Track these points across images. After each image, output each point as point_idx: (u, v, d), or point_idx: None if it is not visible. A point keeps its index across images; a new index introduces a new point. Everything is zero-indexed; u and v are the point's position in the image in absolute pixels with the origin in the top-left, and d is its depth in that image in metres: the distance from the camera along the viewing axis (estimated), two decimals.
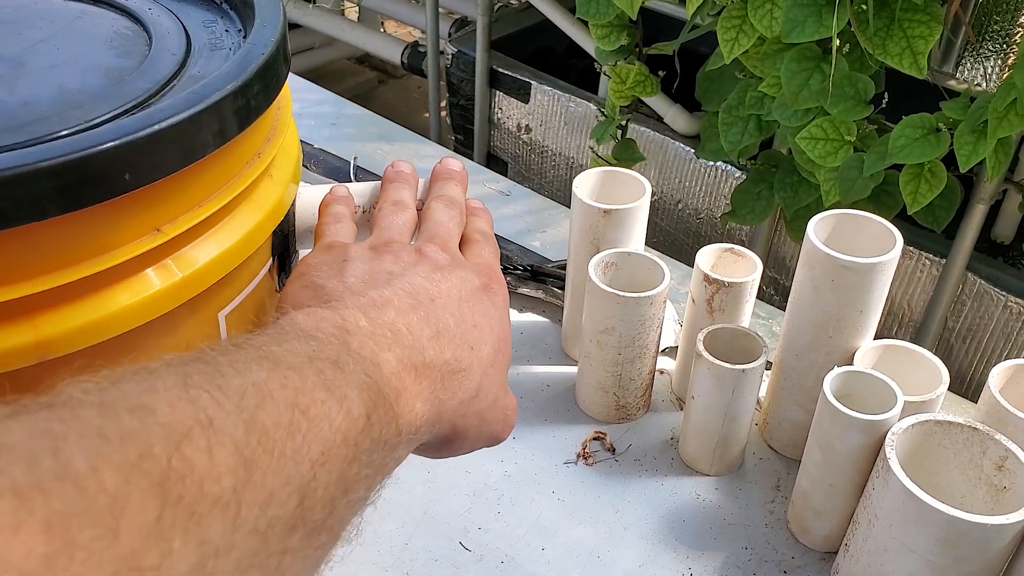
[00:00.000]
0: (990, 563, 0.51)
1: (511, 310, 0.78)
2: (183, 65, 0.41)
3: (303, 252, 0.44)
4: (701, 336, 0.62)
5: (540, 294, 0.80)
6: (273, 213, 0.41)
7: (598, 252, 0.67)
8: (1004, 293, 1.35)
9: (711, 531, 0.62)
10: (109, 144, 0.32)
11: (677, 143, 1.66)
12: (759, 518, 0.63)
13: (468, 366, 0.39)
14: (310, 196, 0.46)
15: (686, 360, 0.70)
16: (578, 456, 0.67)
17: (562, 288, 0.80)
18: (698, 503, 0.64)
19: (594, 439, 0.68)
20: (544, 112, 1.83)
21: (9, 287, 0.33)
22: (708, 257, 0.66)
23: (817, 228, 0.60)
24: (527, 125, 1.88)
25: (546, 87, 1.81)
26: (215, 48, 0.43)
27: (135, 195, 0.34)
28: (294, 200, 0.45)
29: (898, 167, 1.13)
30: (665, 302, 0.65)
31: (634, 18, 1.27)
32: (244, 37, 0.44)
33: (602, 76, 1.81)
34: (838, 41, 1.04)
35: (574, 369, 0.74)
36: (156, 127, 0.33)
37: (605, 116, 1.43)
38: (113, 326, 0.35)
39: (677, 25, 1.53)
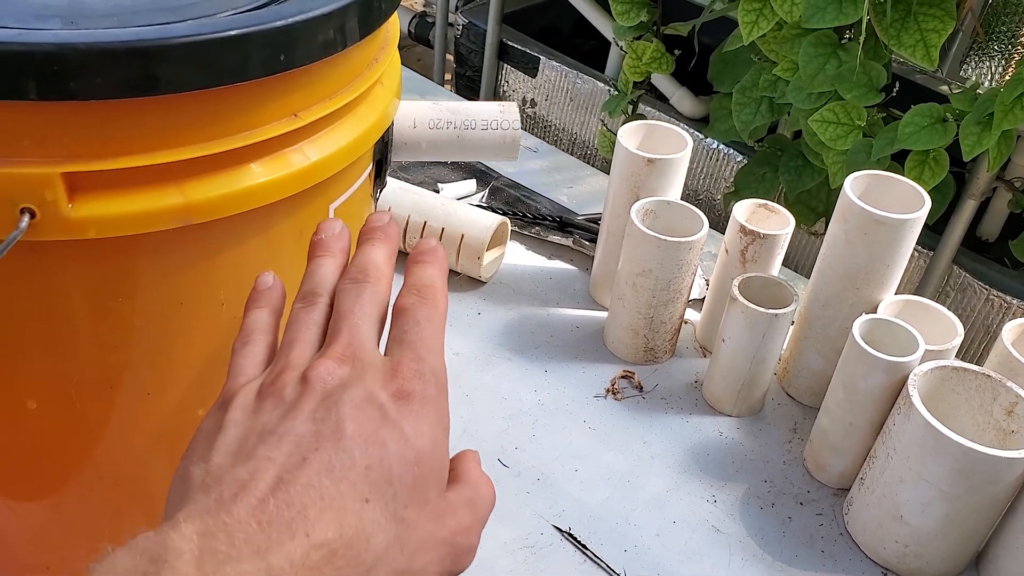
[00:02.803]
0: (997, 496, 0.56)
1: (540, 257, 0.82)
2: None
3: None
4: (737, 282, 0.66)
5: (570, 243, 0.83)
6: (382, 118, 0.44)
7: (638, 200, 0.71)
8: (987, 287, 1.41)
9: (733, 464, 0.66)
10: (276, 23, 0.35)
11: (681, 125, 1.70)
12: (777, 456, 0.67)
13: (357, 532, 0.31)
14: (405, 111, 0.49)
15: (714, 307, 0.74)
16: (607, 391, 0.71)
17: (590, 240, 0.84)
18: (721, 440, 0.68)
19: (622, 377, 0.72)
20: (551, 87, 1.87)
21: (165, 151, 0.36)
22: (743, 211, 0.70)
23: (853, 185, 0.64)
24: (532, 99, 1.92)
25: (555, 63, 1.84)
26: None
27: (280, 78, 0.37)
28: None
29: (901, 156, 1.17)
30: (701, 250, 0.69)
31: None
32: None
33: (610, 56, 1.85)
34: (860, 28, 1.08)
35: (602, 314, 0.78)
36: (311, 14, 0.36)
37: (618, 91, 1.46)
38: (250, 199, 0.38)
39: (690, 8, 1.57)
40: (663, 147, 0.73)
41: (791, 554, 0.61)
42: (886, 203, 0.64)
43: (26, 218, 0.35)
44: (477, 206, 0.83)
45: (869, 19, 1.10)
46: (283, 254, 0.43)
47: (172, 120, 0.36)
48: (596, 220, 0.86)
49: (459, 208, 0.79)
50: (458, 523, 0.36)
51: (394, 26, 0.47)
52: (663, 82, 1.71)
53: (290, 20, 0.36)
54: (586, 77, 1.81)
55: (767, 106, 1.28)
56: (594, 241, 0.83)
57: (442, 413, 0.36)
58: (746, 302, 0.65)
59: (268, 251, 0.42)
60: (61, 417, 0.43)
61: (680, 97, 1.69)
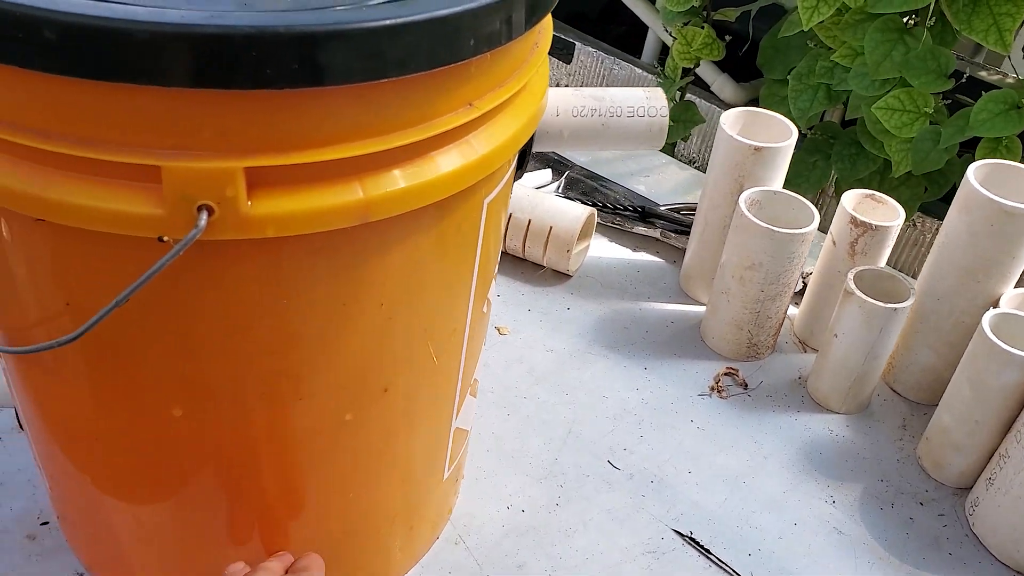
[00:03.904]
0: None
1: (625, 249, 0.80)
2: None
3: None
4: (851, 275, 0.64)
5: (657, 234, 0.81)
6: (539, 109, 0.42)
7: (742, 189, 0.68)
8: None
9: (847, 463, 0.64)
10: (465, 7, 0.33)
11: (723, 112, 1.67)
12: (890, 454, 0.65)
13: None
14: (548, 99, 0.47)
15: (816, 301, 0.71)
16: (711, 388, 0.69)
17: (676, 232, 0.81)
18: (831, 438, 0.66)
19: (726, 374, 0.70)
20: (586, 73, 1.83)
21: (345, 144, 0.33)
22: (851, 201, 0.68)
23: (975, 174, 0.61)
24: (567, 86, 1.89)
25: (590, 48, 1.81)
26: None
27: (458, 67, 0.35)
28: None
29: (965, 145, 1.15)
30: (810, 242, 0.67)
31: None
32: None
33: (647, 41, 1.82)
34: (928, 13, 1.06)
35: (696, 308, 0.76)
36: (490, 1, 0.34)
37: (666, 77, 1.44)
38: (425, 194, 0.36)
39: None
40: (764, 135, 0.70)
41: (918, 556, 0.59)
42: (1006, 194, 0.61)
43: (204, 216, 0.32)
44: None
45: (937, 3, 1.08)
46: (444, 251, 0.40)
47: (352, 111, 0.33)
48: (680, 211, 0.83)
49: (545, 199, 0.76)
50: None
51: (547, 21, 0.44)
52: (705, 68, 1.68)
53: (473, 6, 0.33)
54: (623, 63, 1.78)
55: (824, 93, 1.25)
56: (681, 233, 0.81)
57: None
58: (863, 296, 0.62)
59: (429, 249, 0.39)
60: (200, 426, 0.41)
61: (721, 83, 1.65)
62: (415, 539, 0.54)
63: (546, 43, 0.42)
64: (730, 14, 1.41)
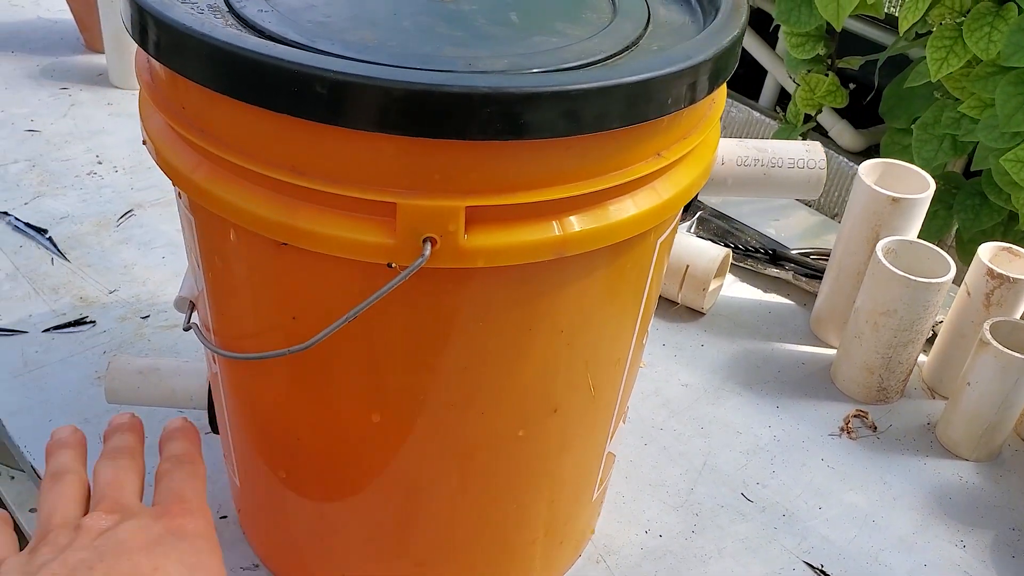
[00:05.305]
0: None
1: (755, 289, 0.82)
2: (645, 30, 0.45)
3: None
4: (987, 326, 0.65)
5: (789, 277, 0.84)
6: (713, 158, 0.46)
7: (878, 237, 0.70)
8: None
9: (977, 510, 0.65)
10: (669, 70, 0.37)
11: (841, 157, 1.68)
12: (1022, 504, 0.66)
13: None
14: None
15: (947, 349, 0.73)
16: (841, 429, 0.71)
17: (805, 274, 0.84)
18: (961, 484, 0.67)
19: (855, 416, 0.72)
20: None
21: (546, 189, 0.38)
22: (988, 253, 0.70)
23: None
24: None
25: None
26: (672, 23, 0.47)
27: (653, 122, 0.39)
28: None
29: None
30: (945, 292, 0.68)
31: (838, 29, 1.30)
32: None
33: (766, 85, 1.84)
34: None
35: (826, 351, 0.78)
36: (692, 62, 0.38)
37: (787, 122, 1.46)
38: (613, 234, 0.40)
39: (861, 41, 1.55)
40: (901, 186, 0.72)
41: None
42: None
43: (428, 247, 0.37)
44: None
45: None
46: (619, 284, 0.44)
47: (556, 160, 0.38)
48: (811, 255, 0.86)
49: (681, 238, 0.80)
50: None
51: None
52: (823, 114, 1.69)
53: (679, 66, 0.37)
54: (740, 105, 1.80)
55: (950, 143, 1.25)
56: (811, 277, 0.83)
57: (213, 542, 0.42)
58: (1000, 347, 0.64)
59: (606, 282, 0.43)
60: (393, 431, 0.45)
61: (840, 130, 1.66)
62: (560, 555, 0.58)
63: (722, 99, 0.46)
64: (854, 62, 1.43)
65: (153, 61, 0.42)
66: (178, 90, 0.39)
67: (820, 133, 1.74)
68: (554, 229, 0.39)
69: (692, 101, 0.40)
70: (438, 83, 0.33)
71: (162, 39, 0.37)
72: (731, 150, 0.50)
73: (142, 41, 0.39)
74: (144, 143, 0.43)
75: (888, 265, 0.67)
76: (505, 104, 0.34)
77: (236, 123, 0.37)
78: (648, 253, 0.45)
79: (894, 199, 0.70)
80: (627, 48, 0.42)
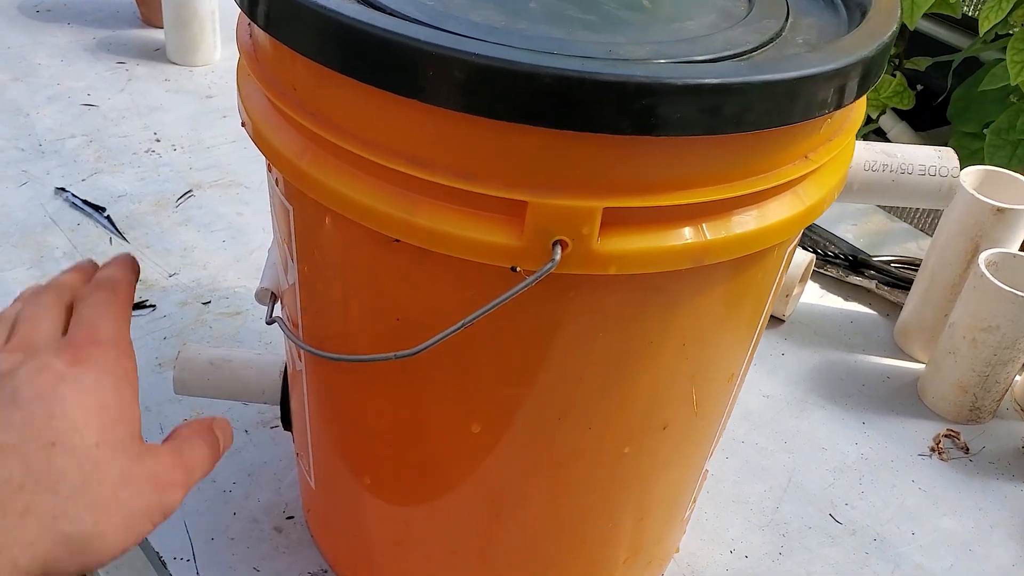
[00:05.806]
0: None
1: (836, 298, 0.79)
2: (786, 22, 0.42)
3: None
4: None
5: (872, 286, 0.80)
6: (851, 160, 0.42)
7: (977, 249, 0.67)
8: None
9: None
10: (836, 65, 0.33)
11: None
12: None
13: (47, 471, 0.33)
14: None
15: None
16: (931, 449, 0.67)
17: (887, 283, 0.80)
18: None
19: (946, 436, 0.68)
20: None
21: (687, 191, 0.34)
22: None
23: None
24: None
25: None
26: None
27: (804, 124, 0.35)
28: None
29: None
30: None
31: (912, 28, 1.25)
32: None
33: None
34: None
35: (913, 365, 0.74)
36: (847, 61, 0.34)
37: None
38: (756, 241, 0.37)
39: (930, 42, 1.51)
40: (1004, 195, 0.69)
41: None
42: None
43: (558, 250, 0.34)
44: None
45: None
46: (747, 293, 0.41)
47: (701, 160, 0.34)
48: (894, 263, 0.82)
49: None
50: (158, 463, 0.38)
51: None
52: (884, 117, 1.65)
53: (837, 64, 0.34)
54: None
55: None
56: (894, 286, 0.79)
57: (127, 373, 0.38)
58: None
59: (737, 291, 0.40)
60: (492, 442, 0.42)
61: (900, 131, 1.62)
62: (646, 574, 0.55)
63: (863, 101, 0.43)
64: (922, 63, 1.38)
65: (258, 36, 0.39)
66: (288, 67, 0.36)
67: (879, 135, 1.70)
68: (694, 235, 0.35)
69: (846, 102, 0.36)
70: (592, 71, 0.30)
71: (276, 9, 0.34)
72: (859, 154, 0.47)
73: (251, 12, 0.36)
74: (243, 125, 0.40)
75: (992, 279, 0.63)
76: (663, 96, 0.31)
77: (355, 107, 0.34)
78: (777, 262, 0.42)
79: (999, 209, 0.66)
80: (771, 40, 0.38)
